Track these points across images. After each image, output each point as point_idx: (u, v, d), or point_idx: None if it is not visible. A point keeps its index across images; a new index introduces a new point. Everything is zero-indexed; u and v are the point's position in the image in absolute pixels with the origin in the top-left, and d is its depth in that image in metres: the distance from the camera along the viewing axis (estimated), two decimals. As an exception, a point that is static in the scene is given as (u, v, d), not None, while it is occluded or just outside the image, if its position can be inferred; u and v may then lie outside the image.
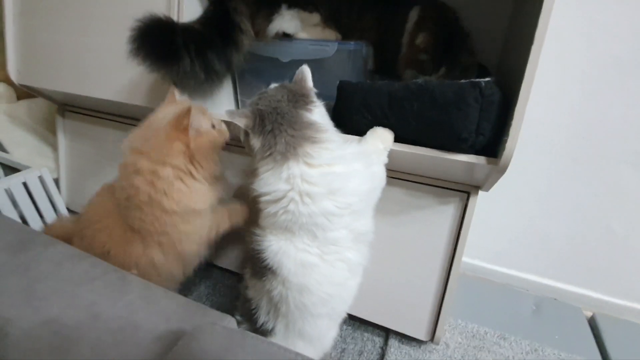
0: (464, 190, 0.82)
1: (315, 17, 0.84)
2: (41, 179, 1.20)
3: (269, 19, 0.82)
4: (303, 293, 0.66)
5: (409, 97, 0.66)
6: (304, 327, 0.69)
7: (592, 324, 1.02)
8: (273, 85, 0.72)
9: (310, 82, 0.71)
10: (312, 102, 0.69)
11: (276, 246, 0.66)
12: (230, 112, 0.66)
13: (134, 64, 0.75)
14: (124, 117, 1.18)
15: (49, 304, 0.62)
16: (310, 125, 0.65)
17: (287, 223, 0.65)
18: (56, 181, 1.31)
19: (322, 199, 0.63)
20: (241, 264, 1.05)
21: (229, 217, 0.83)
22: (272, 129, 0.65)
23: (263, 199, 0.66)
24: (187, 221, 0.73)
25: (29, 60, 1.12)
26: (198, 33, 0.80)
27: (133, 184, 0.71)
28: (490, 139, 0.66)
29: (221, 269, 1.10)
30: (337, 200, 0.63)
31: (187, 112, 0.69)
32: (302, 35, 0.86)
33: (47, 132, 1.42)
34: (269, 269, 0.67)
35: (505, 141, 0.63)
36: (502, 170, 0.67)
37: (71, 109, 1.28)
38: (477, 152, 0.68)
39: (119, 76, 0.96)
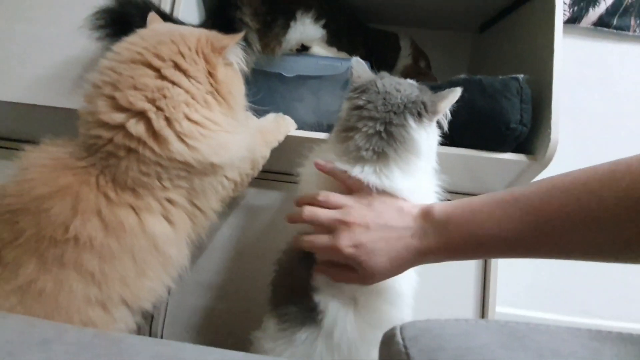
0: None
1: (325, 35, 0.82)
2: None
3: (287, 26, 0.75)
4: None
5: (457, 89, 0.65)
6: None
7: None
8: (410, 81, 0.60)
9: (447, 105, 0.55)
10: (428, 118, 0.54)
11: None
12: (357, 60, 0.63)
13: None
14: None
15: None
16: (407, 140, 0.52)
17: None
18: None
19: None
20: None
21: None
22: (362, 107, 0.54)
23: None
24: (203, 173, 0.51)
25: None
26: None
27: (117, 122, 0.48)
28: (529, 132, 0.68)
29: None
30: None
31: (234, 37, 0.55)
32: (318, 50, 0.82)
33: None
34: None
35: (549, 133, 0.65)
36: (545, 164, 0.67)
37: None
38: (518, 146, 0.68)
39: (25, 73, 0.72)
